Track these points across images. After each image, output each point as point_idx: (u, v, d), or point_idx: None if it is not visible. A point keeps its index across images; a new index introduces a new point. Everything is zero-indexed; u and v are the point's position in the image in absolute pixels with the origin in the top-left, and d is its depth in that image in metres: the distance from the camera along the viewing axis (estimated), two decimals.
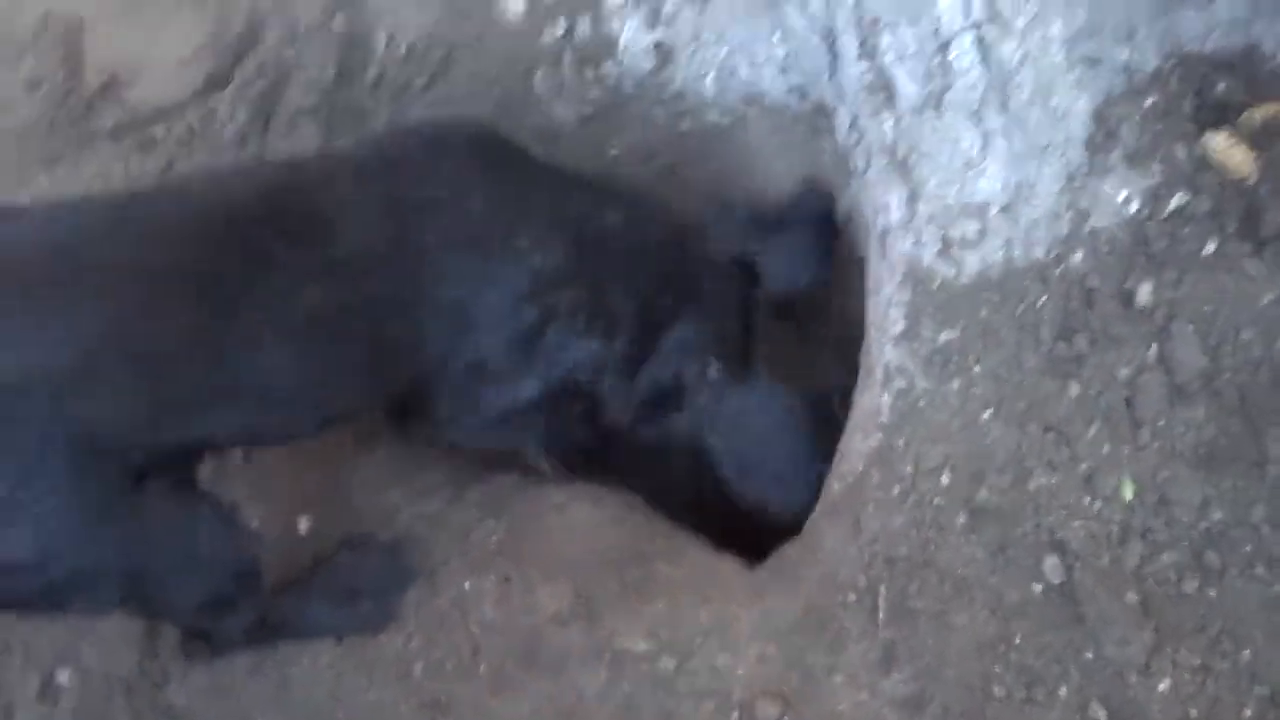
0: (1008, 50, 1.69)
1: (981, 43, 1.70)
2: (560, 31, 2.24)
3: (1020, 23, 1.67)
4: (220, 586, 1.74)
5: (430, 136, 2.00)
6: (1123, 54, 1.70)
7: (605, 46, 2.22)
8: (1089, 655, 1.58)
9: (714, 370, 2.12)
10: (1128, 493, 1.60)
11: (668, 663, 1.79)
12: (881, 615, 1.69)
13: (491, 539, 1.98)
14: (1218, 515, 1.55)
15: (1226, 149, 1.61)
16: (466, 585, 1.93)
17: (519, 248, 1.92)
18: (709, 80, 2.19)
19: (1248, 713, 1.50)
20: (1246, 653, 1.52)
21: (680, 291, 2.11)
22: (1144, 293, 1.63)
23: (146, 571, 1.64)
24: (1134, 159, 1.67)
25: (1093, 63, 1.70)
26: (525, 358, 1.97)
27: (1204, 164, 1.63)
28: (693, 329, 2.11)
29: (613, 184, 2.15)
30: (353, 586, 1.92)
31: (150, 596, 1.68)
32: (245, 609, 1.80)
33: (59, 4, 2.38)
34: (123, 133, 2.27)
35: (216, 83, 2.31)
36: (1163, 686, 1.53)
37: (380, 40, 2.29)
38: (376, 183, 1.87)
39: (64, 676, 1.88)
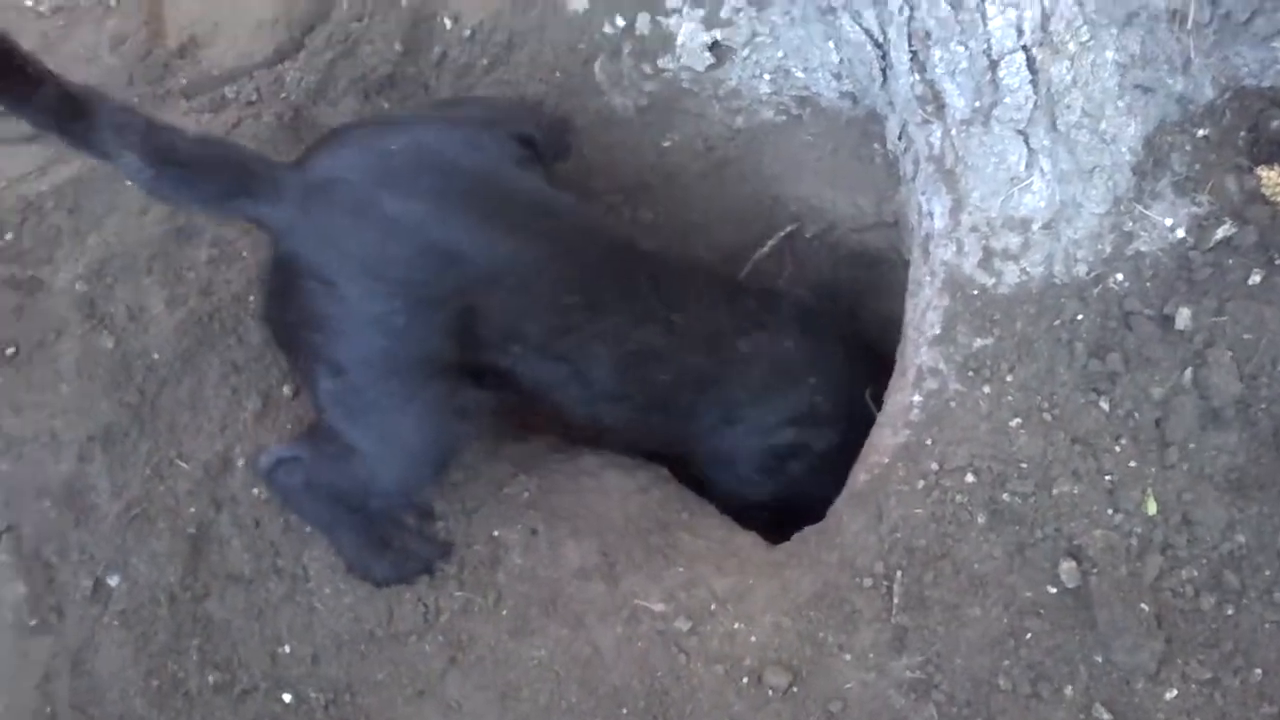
0: (1058, 72, 1.58)
1: (1032, 63, 1.59)
2: (620, 25, 2.11)
3: (1072, 47, 1.57)
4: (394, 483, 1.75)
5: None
6: (1177, 84, 1.59)
7: (663, 42, 2.09)
8: (1098, 659, 1.47)
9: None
10: (1151, 508, 1.49)
11: (683, 624, 1.69)
12: (896, 601, 1.58)
13: (523, 494, 1.88)
14: (1241, 539, 1.44)
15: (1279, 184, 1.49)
16: (496, 533, 1.83)
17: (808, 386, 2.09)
18: (764, 80, 2.06)
19: None
20: (1258, 671, 1.41)
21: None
22: (1183, 317, 1.52)
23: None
24: (1183, 187, 1.56)
25: (1145, 90, 1.59)
26: (767, 475, 2.12)
27: (1254, 197, 1.51)
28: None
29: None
30: (385, 539, 1.80)
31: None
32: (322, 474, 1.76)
33: None
34: (195, 91, 2.18)
35: (286, 51, 2.22)
36: (1170, 695, 1.43)
37: (445, 21, 2.17)
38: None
39: (114, 581, 1.79)
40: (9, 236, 1.99)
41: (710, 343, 1.97)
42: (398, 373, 1.67)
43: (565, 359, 1.82)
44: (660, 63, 2.10)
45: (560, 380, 1.84)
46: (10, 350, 1.89)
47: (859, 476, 1.73)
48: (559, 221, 1.80)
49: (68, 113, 1.50)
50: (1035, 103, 1.60)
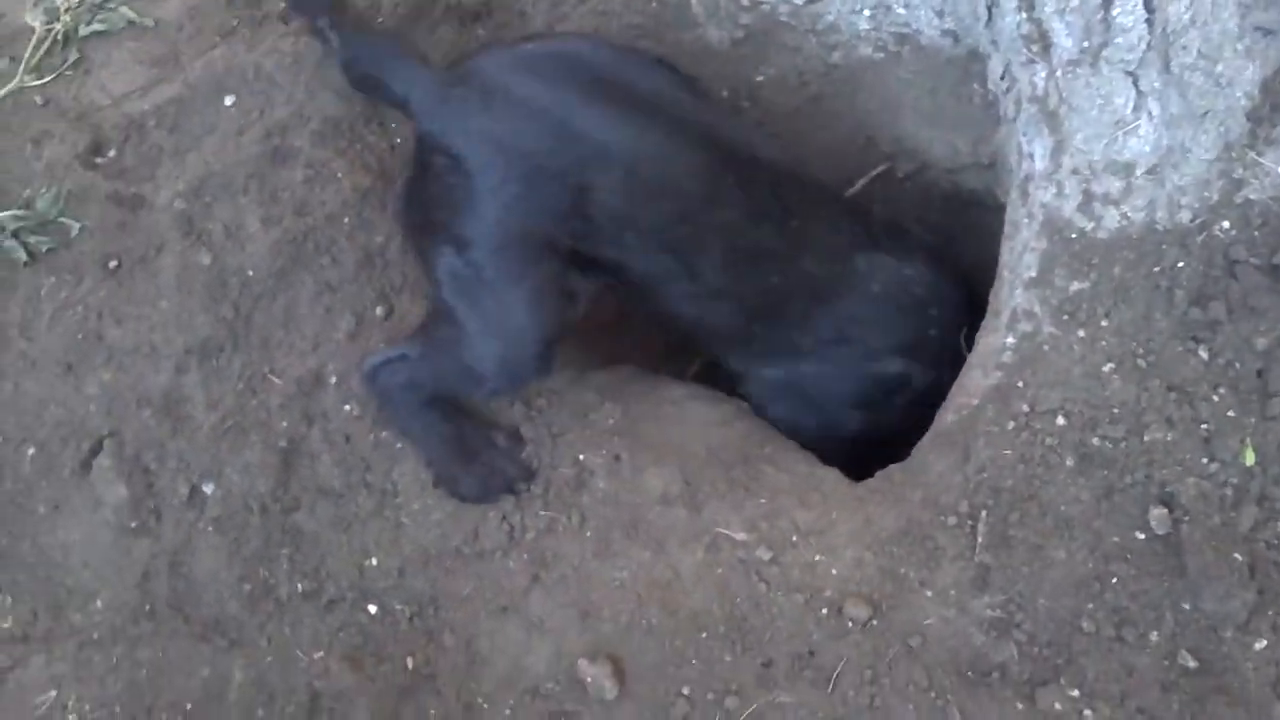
0: (1176, 11, 1.53)
1: (1149, 2, 1.53)
2: None
3: None
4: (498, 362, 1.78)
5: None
6: None
7: None
8: (1186, 606, 1.46)
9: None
10: (1249, 458, 1.46)
11: (764, 554, 1.70)
12: (980, 540, 1.57)
13: (608, 421, 1.88)
14: None
15: None
16: (581, 457, 1.84)
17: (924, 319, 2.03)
18: (863, 16, 2.02)
19: None
20: None
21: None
22: None
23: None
24: None
25: (1267, 32, 1.53)
26: (870, 408, 2.07)
27: None
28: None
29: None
30: (474, 452, 1.82)
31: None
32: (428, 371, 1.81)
33: None
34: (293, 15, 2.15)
35: None
36: (1259, 646, 1.42)
37: None
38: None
39: (209, 489, 1.82)
40: (113, 154, 2.01)
41: (826, 255, 1.95)
42: (510, 245, 1.73)
43: (676, 250, 1.83)
44: None
45: (669, 273, 1.85)
46: (114, 264, 1.92)
47: (946, 417, 1.72)
48: (684, 114, 1.82)
49: None
50: (1149, 43, 1.56)
